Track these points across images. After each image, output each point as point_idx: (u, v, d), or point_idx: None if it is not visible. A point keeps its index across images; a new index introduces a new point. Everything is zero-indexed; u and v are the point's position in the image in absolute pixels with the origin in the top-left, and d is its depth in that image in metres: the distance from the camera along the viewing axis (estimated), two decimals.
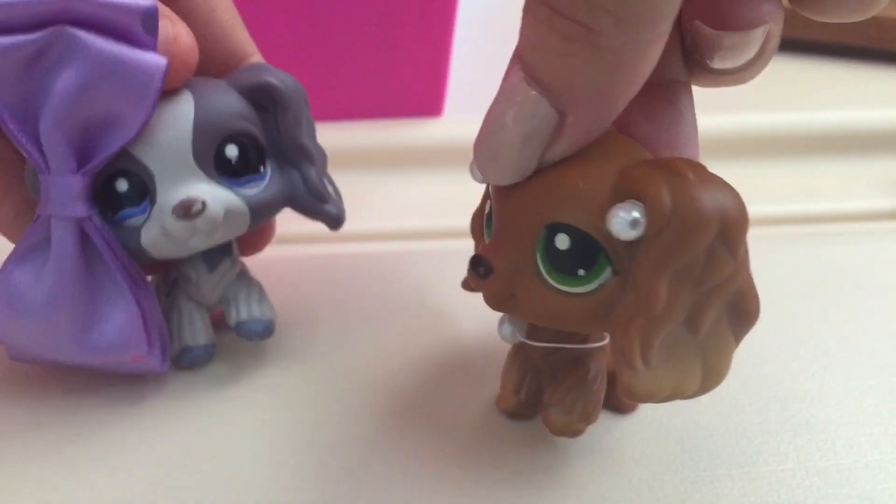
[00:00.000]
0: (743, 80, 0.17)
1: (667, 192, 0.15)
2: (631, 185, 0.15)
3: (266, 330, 0.23)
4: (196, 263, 0.23)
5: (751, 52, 0.16)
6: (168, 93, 0.20)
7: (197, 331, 0.23)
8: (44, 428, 0.21)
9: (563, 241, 0.16)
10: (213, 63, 0.22)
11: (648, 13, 0.13)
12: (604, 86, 0.14)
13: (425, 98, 0.40)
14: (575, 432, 0.20)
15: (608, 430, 0.21)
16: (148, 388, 0.23)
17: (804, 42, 0.50)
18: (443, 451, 0.21)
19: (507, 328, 0.20)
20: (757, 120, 0.39)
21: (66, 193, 0.19)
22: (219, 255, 0.23)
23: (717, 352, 0.16)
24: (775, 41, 0.16)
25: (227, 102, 0.21)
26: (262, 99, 0.21)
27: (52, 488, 0.19)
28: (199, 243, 0.21)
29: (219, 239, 0.21)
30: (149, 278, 0.24)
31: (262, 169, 0.22)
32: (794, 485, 0.19)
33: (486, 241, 0.18)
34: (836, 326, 0.26)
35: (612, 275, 0.16)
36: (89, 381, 0.23)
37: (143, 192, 0.20)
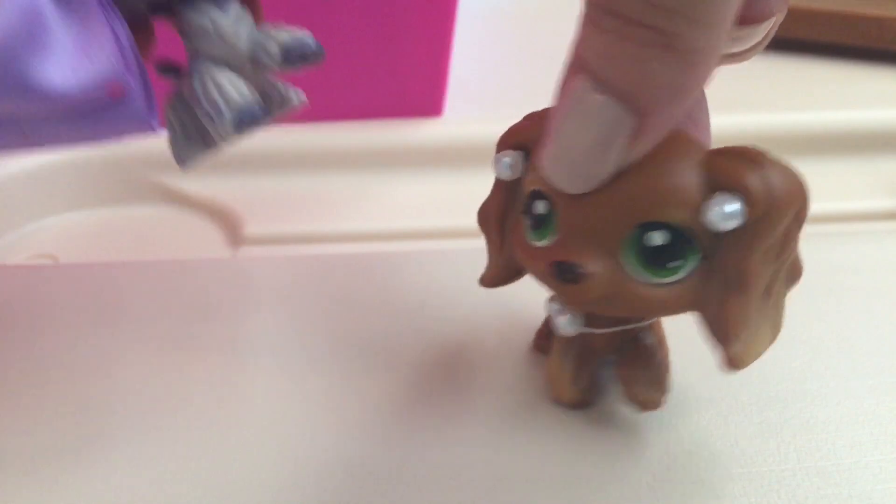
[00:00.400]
0: (740, 61, 0.18)
1: (760, 182, 0.16)
2: (724, 178, 0.16)
3: (317, 48, 0.21)
4: (205, 9, 0.20)
5: (756, 40, 0.16)
6: None
7: (242, 88, 0.20)
8: (43, 427, 0.21)
9: (657, 239, 0.17)
10: None
11: (721, 11, 0.13)
12: (682, 84, 0.14)
13: (425, 98, 0.40)
14: (658, 404, 0.21)
15: (608, 430, 0.21)
16: (150, 385, 0.23)
17: (804, 42, 0.50)
18: (444, 450, 0.21)
19: (566, 321, 0.20)
20: (757, 120, 0.39)
21: None
22: None
23: (778, 309, 0.18)
24: (776, 27, 0.16)
25: None
26: None
27: (53, 488, 0.19)
28: None
29: None
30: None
31: None
32: (794, 485, 0.19)
33: (538, 242, 0.18)
34: (836, 326, 0.26)
35: (700, 261, 0.17)
36: (87, 384, 0.23)
37: None
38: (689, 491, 0.19)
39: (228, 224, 0.35)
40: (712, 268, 0.17)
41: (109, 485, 0.19)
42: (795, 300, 0.21)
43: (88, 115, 0.18)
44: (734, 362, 0.17)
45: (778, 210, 0.16)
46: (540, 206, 0.18)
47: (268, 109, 0.20)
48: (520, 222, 0.19)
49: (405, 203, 0.35)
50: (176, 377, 0.23)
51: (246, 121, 0.20)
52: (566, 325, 0.20)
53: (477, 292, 0.25)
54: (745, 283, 0.17)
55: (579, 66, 0.15)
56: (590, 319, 0.20)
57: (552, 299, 0.21)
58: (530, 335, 0.25)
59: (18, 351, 0.24)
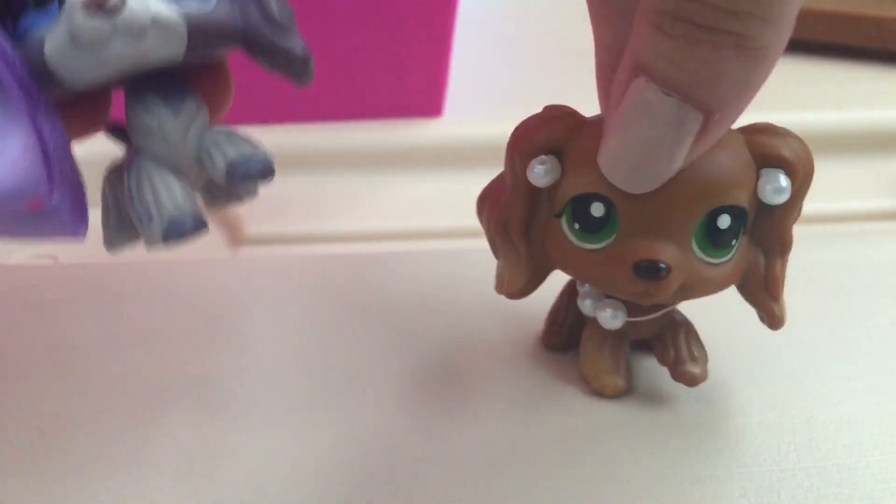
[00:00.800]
0: None
1: (796, 154, 0.18)
2: (767, 154, 0.18)
3: (265, 167, 0.19)
4: (153, 108, 0.18)
5: None
6: None
7: (177, 196, 0.18)
8: (43, 427, 0.21)
9: (724, 221, 0.18)
10: None
11: (791, 8, 0.14)
12: (751, 79, 0.15)
13: (425, 98, 0.40)
14: (706, 375, 0.21)
15: (608, 430, 0.21)
16: (149, 386, 0.23)
17: (804, 42, 0.50)
18: (444, 450, 0.21)
19: (609, 315, 0.20)
20: (757, 120, 0.39)
21: None
22: (177, 92, 0.18)
23: None
24: None
25: None
26: None
27: (52, 488, 0.19)
28: (119, 54, 0.16)
29: (146, 56, 0.17)
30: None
31: None
32: (794, 485, 0.19)
33: (591, 245, 0.19)
34: (836, 326, 0.26)
35: (742, 235, 0.19)
36: (87, 384, 0.23)
37: None
38: (689, 491, 0.19)
39: (228, 224, 0.35)
40: (751, 239, 0.19)
41: (107, 484, 0.19)
42: (795, 300, 0.21)
43: (10, 221, 0.17)
44: (779, 320, 0.20)
45: (809, 176, 0.18)
46: (597, 209, 0.18)
47: (204, 222, 0.18)
48: (551, 227, 0.20)
49: (405, 203, 0.35)
50: (176, 377, 0.23)
51: (175, 233, 0.18)
52: (611, 318, 0.20)
53: (477, 292, 0.25)
54: (785, 247, 0.19)
55: (640, 68, 0.15)
56: (633, 308, 0.21)
57: (585, 298, 0.21)
58: (533, 332, 0.25)
59: (18, 351, 0.24)
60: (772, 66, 0.15)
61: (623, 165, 0.17)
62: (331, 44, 0.37)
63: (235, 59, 0.24)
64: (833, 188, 0.36)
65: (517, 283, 0.21)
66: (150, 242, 0.18)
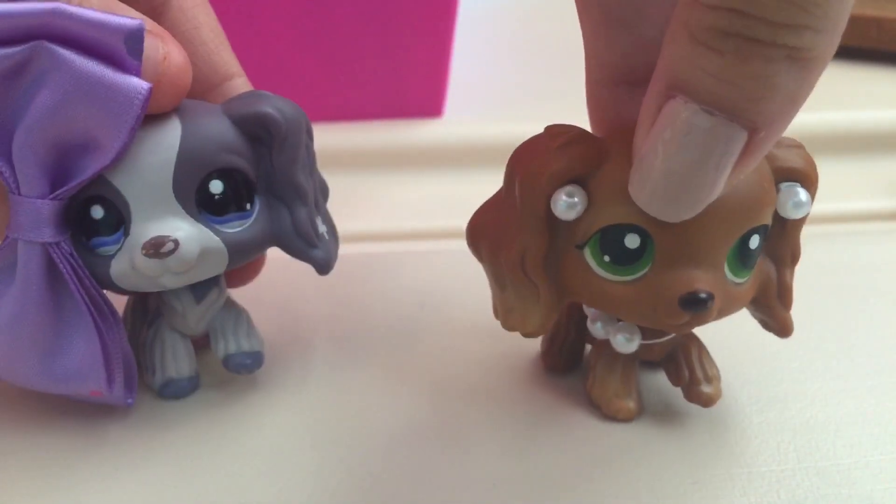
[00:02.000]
0: None
1: (806, 163, 0.18)
2: (784, 168, 0.18)
3: (255, 363, 0.22)
4: (182, 295, 0.21)
5: None
6: (155, 117, 0.18)
7: (181, 362, 0.22)
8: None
9: (755, 241, 0.18)
10: (196, 82, 0.21)
11: (843, 13, 0.14)
12: (800, 92, 0.14)
13: (426, 99, 0.40)
14: (720, 395, 0.21)
15: (608, 430, 0.21)
16: (133, 416, 0.23)
17: None
18: (443, 450, 0.21)
19: (624, 339, 0.20)
20: None
21: (35, 217, 0.18)
22: (206, 285, 0.22)
23: None
24: None
25: (218, 134, 0.19)
26: (258, 130, 0.20)
27: (56, 486, 0.19)
28: (170, 282, 0.19)
29: (193, 278, 0.20)
30: (123, 303, 0.23)
31: (248, 206, 0.20)
32: (793, 485, 0.19)
33: (623, 277, 0.18)
34: (835, 326, 0.26)
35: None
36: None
37: (119, 221, 0.19)
38: (689, 491, 0.19)
39: None
40: (763, 253, 0.19)
41: (106, 484, 0.19)
42: (796, 300, 0.21)
43: (74, 396, 0.21)
44: (790, 327, 0.20)
45: (816, 182, 0.18)
46: (632, 241, 0.17)
47: (196, 384, 0.23)
48: (571, 258, 0.18)
49: (405, 203, 0.35)
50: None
51: (169, 391, 0.22)
52: (625, 342, 0.20)
53: (477, 292, 0.25)
54: (796, 257, 0.19)
55: (677, 87, 0.14)
56: (645, 332, 0.20)
57: (596, 320, 0.20)
58: (531, 349, 0.24)
59: None
60: (819, 74, 0.14)
61: (661, 194, 0.16)
62: (331, 44, 0.37)
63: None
64: (833, 188, 0.36)
65: (533, 320, 0.19)
66: (148, 385, 0.22)
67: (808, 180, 0.18)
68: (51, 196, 0.18)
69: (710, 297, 0.17)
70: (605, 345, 0.21)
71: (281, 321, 0.26)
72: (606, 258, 0.18)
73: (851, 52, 0.51)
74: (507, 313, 0.20)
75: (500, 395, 0.23)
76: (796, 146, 0.18)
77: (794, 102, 0.14)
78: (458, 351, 0.25)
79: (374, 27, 0.37)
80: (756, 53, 0.13)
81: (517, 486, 0.19)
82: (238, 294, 0.24)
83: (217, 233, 0.19)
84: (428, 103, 0.40)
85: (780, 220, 0.18)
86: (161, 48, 0.18)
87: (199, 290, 0.21)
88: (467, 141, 0.38)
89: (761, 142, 0.15)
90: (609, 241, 0.18)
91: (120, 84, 0.17)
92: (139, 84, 0.17)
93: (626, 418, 0.21)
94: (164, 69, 0.18)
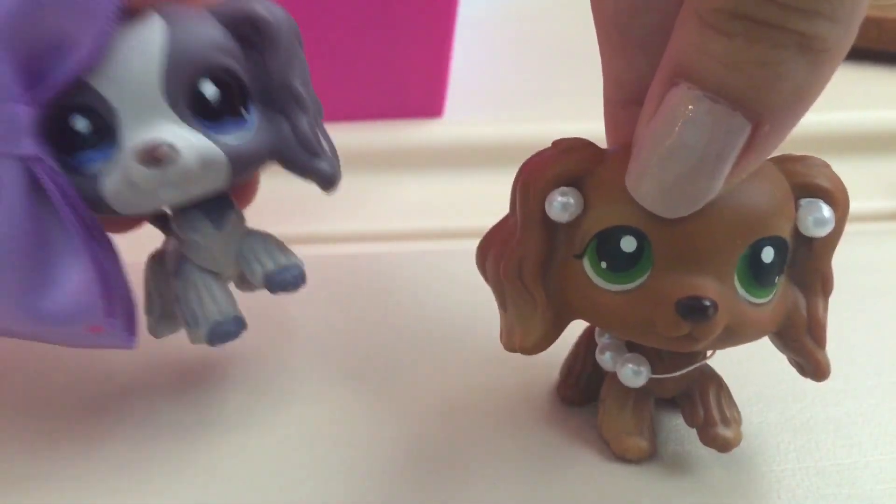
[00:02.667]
0: None
1: (835, 184, 0.17)
2: (805, 184, 0.17)
3: (300, 276, 0.21)
4: (198, 224, 0.20)
5: None
6: (135, 16, 0.17)
7: (221, 302, 0.20)
8: (47, 443, 0.21)
9: (769, 254, 0.16)
10: None
11: (859, 9, 0.13)
12: (809, 86, 0.14)
13: (426, 99, 0.40)
14: (739, 440, 0.19)
15: (618, 470, 0.20)
16: (150, 385, 0.23)
17: None
18: (442, 450, 0.21)
19: (631, 372, 0.18)
20: None
21: (10, 125, 0.16)
22: (220, 208, 0.20)
23: None
24: None
25: (206, 32, 0.18)
26: (248, 32, 0.18)
27: (61, 485, 0.19)
28: (170, 196, 0.18)
29: (193, 192, 0.18)
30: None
31: (244, 113, 0.19)
32: (793, 485, 0.19)
33: (621, 285, 0.17)
34: (835, 326, 0.25)
35: (781, 274, 0.17)
36: (83, 385, 0.23)
37: (105, 132, 0.17)
38: (689, 491, 0.19)
39: None
40: (789, 278, 0.17)
41: (107, 486, 0.19)
42: None
43: (67, 337, 0.18)
44: (827, 369, 0.18)
45: (846, 208, 0.17)
46: (628, 243, 0.16)
47: (244, 323, 0.20)
48: (570, 269, 0.17)
49: (405, 203, 0.35)
50: (176, 376, 0.23)
51: (219, 336, 0.20)
52: (632, 375, 0.18)
53: (477, 292, 0.25)
54: (827, 286, 0.17)
55: (683, 74, 0.14)
56: (656, 365, 0.19)
57: (604, 351, 0.19)
58: (546, 380, 0.23)
59: (18, 351, 0.24)
60: (831, 73, 0.14)
61: (658, 184, 0.15)
62: (332, 45, 0.37)
63: None
64: None
65: (532, 336, 0.18)
66: (194, 341, 0.20)
67: (832, 198, 0.17)
68: (27, 100, 0.16)
69: (713, 305, 0.15)
70: (617, 378, 0.19)
71: (279, 321, 0.26)
72: (603, 265, 0.17)
73: (851, 52, 0.50)
74: (509, 334, 0.19)
75: (508, 419, 0.22)
76: (823, 165, 0.17)
77: (802, 97, 0.14)
78: (458, 351, 0.25)
79: (374, 27, 0.37)
80: (765, 37, 0.13)
81: (509, 480, 0.19)
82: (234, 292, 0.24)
83: (215, 141, 0.18)
84: (428, 103, 0.40)
85: (805, 241, 0.17)
86: None
87: (215, 214, 0.20)
88: (467, 141, 0.38)
89: (765, 137, 0.14)
90: (605, 245, 0.17)
91: None
92: None
93: (635, 457, 0.20)
94: None
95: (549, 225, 0.17)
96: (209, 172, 0.18)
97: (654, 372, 0.19)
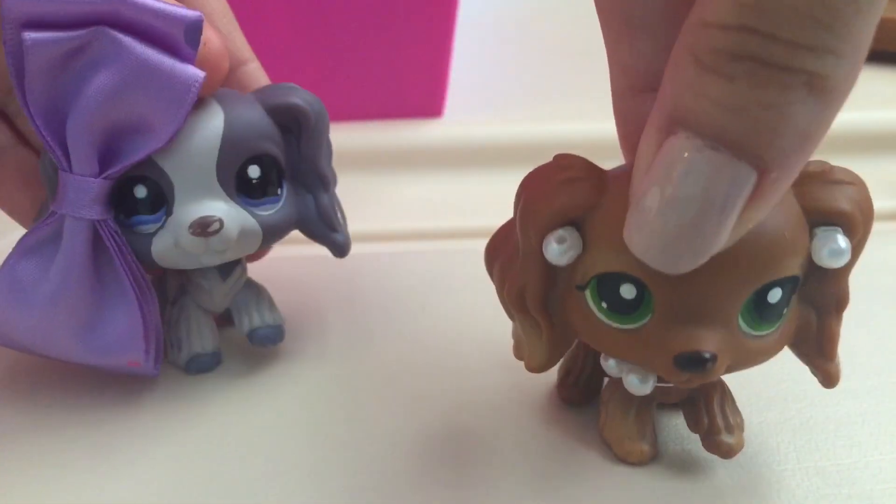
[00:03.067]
0: None
1: (854, 207, 0.16)
2: (822, 212, 0.16)
3: (278, 335, 0.23)
4: (209, 273, 0.22)
5: None
6: (198, 102, 0.19)
7: (206, 338, 0.23)
8: (45, 429, 0.21)
9: (775, 295, 0.16)
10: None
11: (867, 40, 0.12)
12: (816, 127, 0.13)
13: (426, 99, 0.40)
14: (742, 445, 0.19)
15: (620, 472, 0.20)
16: (156, 390, 0.23)
17: None
18: (441, 450, 0.21)
19: (638, 381, 0.18)
20: None
21: (85, 195, 0.19)
22: (231, 264, 0.23)
23: None
24: None
25: (257, 121, 0.21)
26: (288, 120, 0.21)
27: (55, 490, 0.19)
28: (209, 260, 0.20)
29: (229, 257, 0.21)
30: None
31: (279, 191, 0.22)
32: (793, 485, 0.19)
33: (623, 325, 0.17)
34: None
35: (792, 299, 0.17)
36: (93, 381, 0.23)
37: (160, 200, 0.20)
38: (689, 490, 0.19)
39: None
40: (801, 296, 0.17)
41: (106, 489, 0.19)
42: None
43: (103, 366, 0.21)
44: (835, 379, 0.18)
45: (868, 226, 0.16)
46: (627, 291, 0.16)
47: (219, 359, 0.24)
48: (573, 298, 0.17)
49: (405, 203, 0.35)
50: (175, 376, 0.23)
51: (195, 367, 0.23)
52: (639, 384, 0.18)
53: (477, 292, 0.25)
54: (841, 304, 0.17)
55: (679, 121, 0.13)
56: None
57: (609, 357, 0.18)
58: (546, 379, 0.23)
59: (17, 360, 0.24)
60: (838, 110, 0.13)
61: (658, 243, 0.14)
62: (332, 45, 0.37)
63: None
64: None
65: (538, 357, 0.18)
66: (172, 362, 0.23)
67: (851, 224, 0.16)
68: (102, 175, 0.19)
69: (712, 358, 0.15)
70: (619, 381, 0.19)
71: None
72: (604, 304, 0.17)
73: None
74: (516, 344, 0.20)
75: (508, 419, 0.22)
76: (850, 182, 0.16)
77: (809, 140, 0.13)
78: (458, 351, 0.25)
79: (374, 27, 0.37)
80: (771, 79, 0.12)
81: (509, 478, 0.19)
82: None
83: (253, 215, 0.21)
84: (428, 103, 0.40)
85: (819, 268, 0.16)
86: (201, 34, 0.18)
87: (225, 268, 0.22)
88: (467, 141, 0.38)
89: (773, 184, 0.13)
90: (606, 289, 0.16)
91: (178, 72, 0.18)
92: (196, 72, 0.18)
93: (638, 462, 0.20)
94: (205, 54, 0.19)
95: (547, 263, 0.17)
96: (246, 241, 0.21)
97: (659, 380, 0.18)
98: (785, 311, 0.17)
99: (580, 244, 0.17)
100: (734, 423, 0.19)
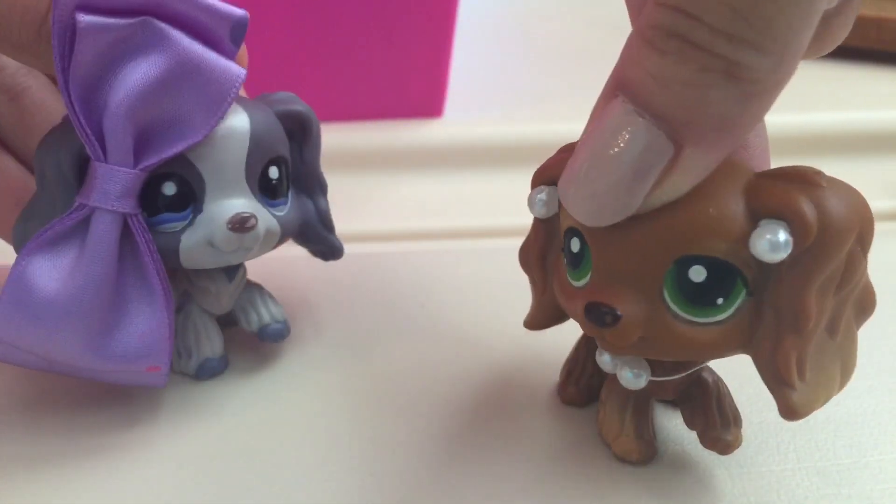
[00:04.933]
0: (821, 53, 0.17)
1: (810, 207, 0.15)
2: (769, 204, 0.15)
3: (287, 330, 0.24)
4: (215, 276, 0.22)
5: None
6: None
7: (214, 343, 0.23)
8: (50, 434, 0.21)
9: (698, 274, 0.15)
10: None
11: (790, 42, 0.13)
12: (735, 116, 0.14)
13: (426, 99, 0.40)
14: (739, 442, 0.19)
15: (619, 471, 0.20)
16: (158, 393, 0.23)
17: None
18: (443, 450, 0.21)
19: (631, 375, 0.18)
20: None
21: (119, 186, 0.18)
22: (235, 266, 0.23)
23: (849, 348, 0.17)
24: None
25: (273, 125, 0.21)
26: (293, 126, 0.22)
27: (58, 492, 0.19)
28: (236, 258, 0.21)
29: (252, 256, 0.21)
30: None
31: (288, 193, 0.22)
32: (793, 485, 0.19)
33: (576, 282, 0.17)
34: None
35: (746, 297, 0.16)
36: (96, 385, 0.23)
37: (188, 198, 0.20)
38: (689, 490, 0.19)
39: None
40: (763, 304, 0.16)
41: (109, 491, 0.19)
42: None
43: (109, 377, 0.20)
44: (791, 411, 0.16)
45: (835, 236, 0.15)
46: (574, 244, 0.17)
47: (227, 362, 0.23)
48: (560, 261, 0.19)
49: (405, 203, 0.35)
50: (177, 380, 0.23)
51: (206, 372, 0.23)
52: (632, 378, 0.18)
53: (477, 292, 0.25)
54: (801, 322, 0.15)
55: (621, 87, 0.14)
56: (655, 367, 0.19)
57: (603, 352, 0.19)
58: (548, 378, 0.23)
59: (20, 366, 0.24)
60: (762, 107, 0.14)
61: (580, 194, 0.15)
62: (332, 45, 0.37)
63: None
64: None
65: (531, 313, 0.21)
66: (179, 370, 0.23)
67: (802, 225, 0.15)
68: (139, 167, 0.18)
69: (611, 313, 0.16)
70: (616, 379, 0.19)
71: None
72: (565, 260, 0.18)
73: (851, 52, 0.51)
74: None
75: (510, 419, 0.22)
76: (827, 187, 0.15)
77: (726, 126, 0.14)
78: (457, 351, 0.25)
79: (375, 27, 0.37)
80: (694, 59, 0.13)
81: (510, 476, 0.19)
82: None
83: (272, 215, 0.21)
84: (428, 103, 0.40)
85: (774, 269, 0.15)
86: None
87: (231, 270, 0.23)
88: (467, 141, 0.38)
89: (687, 160, 0.14)
90: (566, 244, 0.18)
91: (222, 68, 0.18)
92: (238, 70, 0.18)
93: (635, 460, 0.20)
94: (241, 54, 0.19)
95: (545, 222, 0.19)
96: (269, 240, 0.21)
97: (654, 374, 0.18)
98: (720, 301, 0.16)
99: (556, 202, 0.18)
100: (731, 420, 0.19)
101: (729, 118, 0.14)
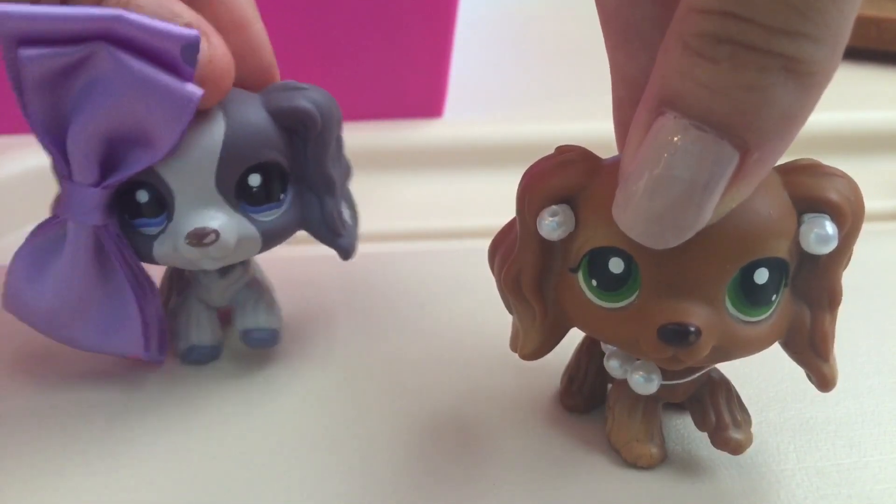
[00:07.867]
0: None
1: (842, 197, 0.16)
2: (810, 197, 0.16)
3: (271, 339, 0.23)
4: (208, 270, 0.23)
5: None
6: (200, 112, 0.19)
7: (203, 331, 0.23)
8: (46, 424, 0.21)
9: (762, 276, 0.16)
10: (242, 74, 0.21)
11: (844, 28, 0.13)
12: (796, 111, 0.13)
13: (426, 99, 0.40)
14: (750, 441, 0.19)
15: (628, 477, 0.20)
16: (156, 385, 0.23)
17: None
18: (445, 455, 0.21)
19: (642, 380, 0.18)
20: None
21: (87, 203, 0.19)
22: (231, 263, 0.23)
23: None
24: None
25: (259, 130, 0.20)
26: (294, 123, 0.21)
27: (56, 484, 0.19)
28: (209, 265, 0.21)
29: (229, 262, 0.21)
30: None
31: (281, 197, 0.22)
32: (793, 485, 0.19)
33: (610, 303, 0.17)
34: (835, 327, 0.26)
35: (783, 288, 0.17)
36: (91, 380, 0.23)
37: (162, 205, 0.20)
38: (689, 490, 0.19)
39: None
40: (794, 290, 0.17)
41: (104, 486, 0.20)
42: None
43: (112, 353, 0.22)
44: (828, 383, 0.18)
45: (859, 219, 0.16)
46: (615, 265, 0.16)
47: (217, 352, 0.24)
48: (566, 281, 0.18)
49: (405, 203, 0.35)
50: (176, 374, 0.23)
51: (191, 358, 0.24)
52: (643, 383, 0.18)
53: (477, 292, 0.25)
54: (835, 300, 0.17)
55: (668, 102, 0.14)
56: (665, 371, 0.18)
57: (612, 358, 0.19)
58: (549, 385, 0.23)
59: (19, 351, 0.24)
60: (819, 96, 0.14)
61: (643, 217, 0.15)
62: (332, 44, 0.37)
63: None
64: None
65: (530, 343, 0.19)
66: (174, 351, 0.24)
67: (838, 213, 0.16)
68: (102, 185, 0.19)
69: (696, 331, 0.16)
70: (624, 385, 0.19)
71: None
72: (594, 282, 0.17)
73: (851, 52, 0.50)
74: (514, 338, 0.20)
75: (512, 424, 0.21)
76: (833, 174, 0.16)
77: (790, 121, 0.14)
78: (457, 351, 0.25)
79: (375, 27, 0.37)
80: (750, 61, 0.13)
81: (508, 475, 0.19)
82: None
83: (252, 222, 0.21)
84: (428, 103, 0.40)
85: (811, 257, 0.17)
86: (206, 50, 0.19)
87: (225, 266, 0.22)
88: (467, 141, 0.38)
89: (754, 165, 0.14)
90: (596, 264, 0.17)
91: (175, 89, 0.18)
92: (193, 90, 0.18)
93: (647, 465, 0.20)
94: (208, 72, 0.19)
95: (545, 240, 0.17)
96: (244, 247, 0.21)
97: (664, 378, 0.18)
98: (775, 297, 0.17)
99: (573, 221, 0.17)
100: (741, 420, 0.20)
101: (791, 114, 0.13)
